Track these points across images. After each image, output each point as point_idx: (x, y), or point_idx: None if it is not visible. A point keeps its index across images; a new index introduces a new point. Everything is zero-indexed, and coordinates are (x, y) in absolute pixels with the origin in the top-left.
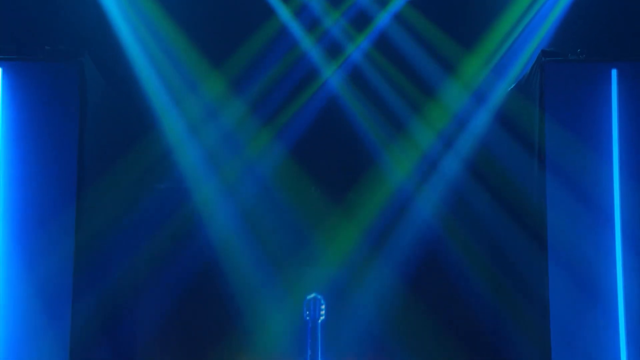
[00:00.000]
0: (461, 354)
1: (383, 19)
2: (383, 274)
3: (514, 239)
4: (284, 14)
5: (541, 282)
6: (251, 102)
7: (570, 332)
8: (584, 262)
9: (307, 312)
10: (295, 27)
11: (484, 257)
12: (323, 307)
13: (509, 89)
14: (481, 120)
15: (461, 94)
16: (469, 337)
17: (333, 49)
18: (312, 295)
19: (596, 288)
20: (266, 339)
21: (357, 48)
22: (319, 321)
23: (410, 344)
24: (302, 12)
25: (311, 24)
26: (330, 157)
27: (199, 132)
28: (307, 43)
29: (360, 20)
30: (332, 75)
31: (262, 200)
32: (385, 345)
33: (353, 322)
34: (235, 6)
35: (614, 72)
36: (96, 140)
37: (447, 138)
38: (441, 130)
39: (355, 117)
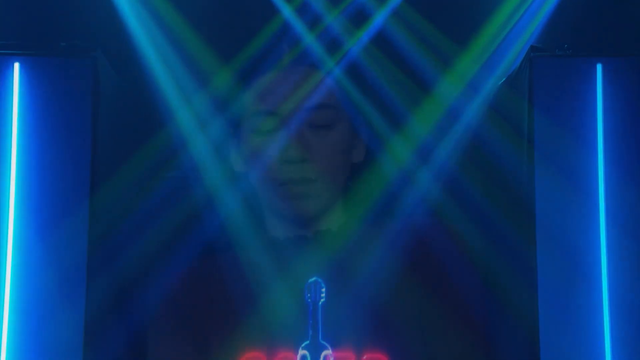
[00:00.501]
0: (453, 333)
1: (379, 16)
2: (380, 260)
3: (504, 226)
4: (287, 11)
5: (530, 265)
6: (256, 95)
7: (558, 312)
8: (570, 244)
9: (309, 295)
10: (298, 24)
11: (475, 243)
12: (323, 289)
13: (500, 83)
14: (473, 113)
15: (454, 88)
16: (460, 318)
17: (333, 45)
18: (313, 278)
19: (582, 268)
20: (271, 318)
21: (356, 43)
22: (320, 303)
23: (404, 324)
24: (303, 10)
25: (312, 21)
26: None
27: (208, 124)
28: (309, 39)
29: (359, 18)
30: (332, 68)
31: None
32: (380, 327)
33: (351, 304)
34: (243, 4)
35: (599, 67)
36: (109, 132)
37: (441, 130)
38: (435, 122)
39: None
